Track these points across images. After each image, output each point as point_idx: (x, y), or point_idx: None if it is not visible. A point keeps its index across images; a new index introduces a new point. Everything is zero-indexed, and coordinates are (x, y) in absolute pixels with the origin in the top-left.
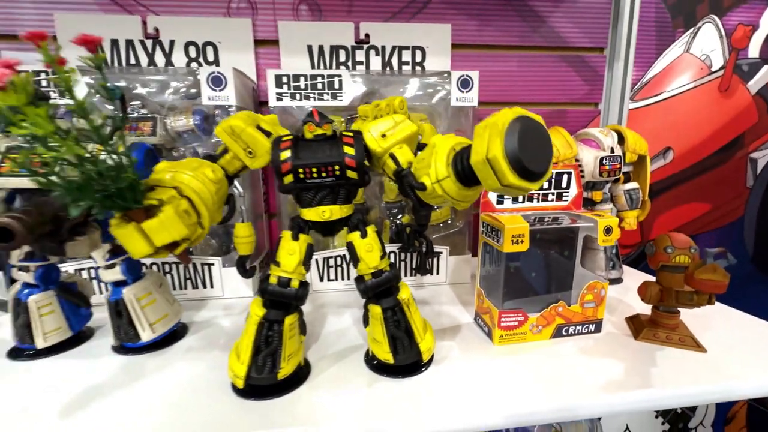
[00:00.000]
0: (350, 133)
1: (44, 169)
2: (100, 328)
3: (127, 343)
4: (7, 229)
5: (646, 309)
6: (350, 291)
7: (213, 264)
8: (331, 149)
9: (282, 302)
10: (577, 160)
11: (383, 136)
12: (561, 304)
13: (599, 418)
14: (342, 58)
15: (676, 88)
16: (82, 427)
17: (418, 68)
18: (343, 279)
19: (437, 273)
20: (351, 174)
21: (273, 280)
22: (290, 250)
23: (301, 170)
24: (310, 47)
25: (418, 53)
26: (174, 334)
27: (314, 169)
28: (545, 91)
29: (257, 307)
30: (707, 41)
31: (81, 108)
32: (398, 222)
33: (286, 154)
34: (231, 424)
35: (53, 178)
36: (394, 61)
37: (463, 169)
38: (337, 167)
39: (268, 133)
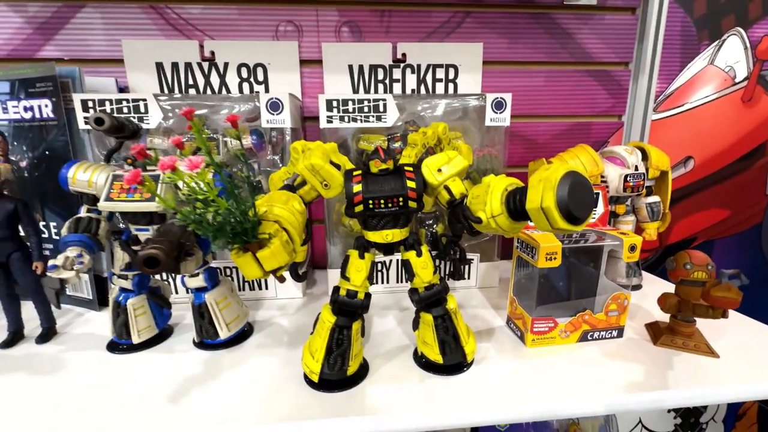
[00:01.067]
0: (411, 168)
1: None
2: (176, 326)
3: (207, 340)
4: (155, 258)
5: (663, 316)
6: (390, 293)
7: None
8: (395, 182)
9: (349, 310)
10: (602, 177)
11: (439, 170)
12: (587, 312)
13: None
14: (380, 77)
15: (698, 99)
16: (188, 412)
17: (451, 85)
18: (383, 282)
19: (468, 278)
20: (411, 204)
21: (342, 292)
22: (358, 267)
23: (371, 201)
24: (350, 66)
25: (451, 71)
26: (244, 333)
27: (382, 201)
28: (571, 104)
29: (328, 314)
30: (732, 53)
31: (229, 181)
32: (433, 231)
33: (358, 188)
34: (311, 412)
35: (203, 222)
36: (429, 78)
37: (515, 207)
38: (401, 198)
39: (337, 165)
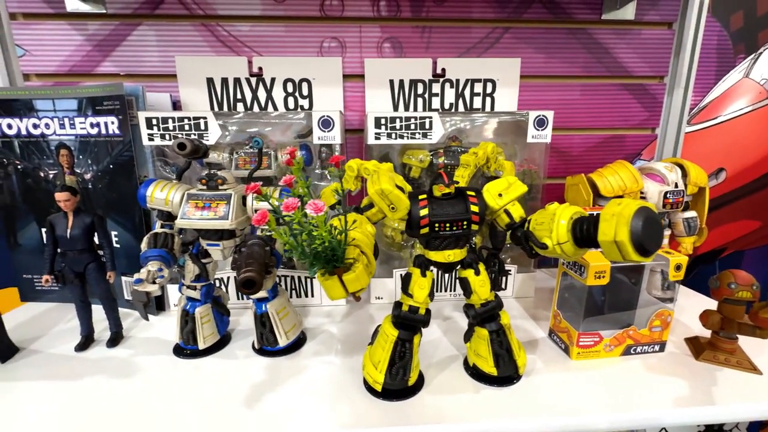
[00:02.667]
0: (473, 193)
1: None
2: (232, 331)
3: (267, 347)
4: (252, 280)
5: (701, 330)
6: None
7: (294, 276)
8: (458, 206)
9: (411, 325)
10: (642, 193)
11: (500, 195)
12: (632, 327)
13: None
14: (420, 91)
15: (733, 112)
16: (260, 416)
17: (488, 99)
18: None
19: (505, 288)
20: (474, 227)
21: (405, 307)
22: (421, 285)
23: (437, 224)
24: (391, 81)
25: (489, 85)
26: (299, 341)
27: (447, 224)
28: (605, 117)
29: (390, 328)
30: None
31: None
32: (472, 244)
33: (425, 211)
34: (376, 419)
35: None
36: (467, 92)
37: (581, 236)
38: (465, 222)
39: (401, 188)
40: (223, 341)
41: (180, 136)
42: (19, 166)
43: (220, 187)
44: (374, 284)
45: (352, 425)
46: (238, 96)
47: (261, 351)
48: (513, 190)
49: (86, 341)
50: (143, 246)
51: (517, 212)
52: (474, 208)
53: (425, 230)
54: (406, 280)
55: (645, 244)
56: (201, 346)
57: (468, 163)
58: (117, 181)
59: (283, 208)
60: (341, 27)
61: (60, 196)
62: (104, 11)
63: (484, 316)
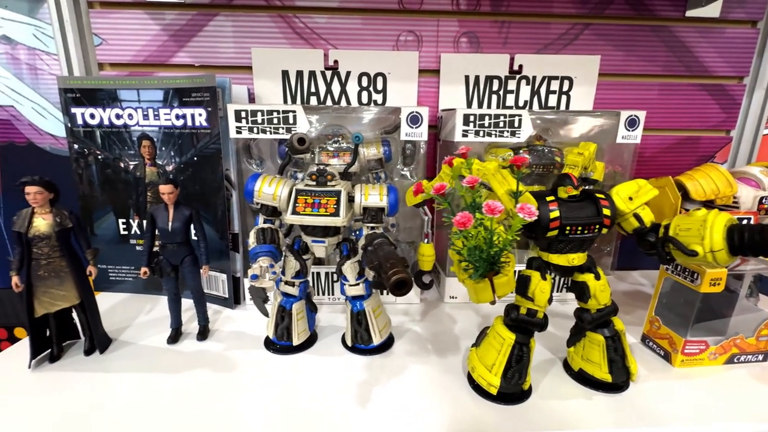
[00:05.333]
0: (603, 196)
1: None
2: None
3: (360, 345)
4: (405, 281)
5: None
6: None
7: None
8: (588, 209)
9: (526, 328)
10: (734, 198)
11: (630, 198)
12: (740, 336)
13: None
14: (495, 87)
15: None
16: (376, 415)
17: (563, 97)
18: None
19: None
20: (604, 230)
21: (523, 311)
22: (542, 288)
23: (568, 227)
24: (467, 77)
25: (566, 83)
26: (389, 340)
27: (580, 227)
28: (682, 118)
29: (505, 331)
30: None
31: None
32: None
33: (555, 213)
34: (497, 423)
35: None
36: (542, 90)
37: (741, 244)
38: (597, 225)
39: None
40: (312, 338)
41: (295, 131)
42: (99, 156)
43: (329, 183)
44: (449, 283)
45: (471, 428)
46: (312, 89)
47: (354, 349)
48: (643, 194)
49: (176, 334)
50: (252, 242)
51: (648, 216)
52: (606, 212)
53: (553, 232)
54: (523, 283)
55: None
56: (295, 342)
57: (576, 164)
58: (201, 173)
59: (486, 210)
60: (419, 20)
61: (164, 189)
62: (182, 1)
63: (600, 321)
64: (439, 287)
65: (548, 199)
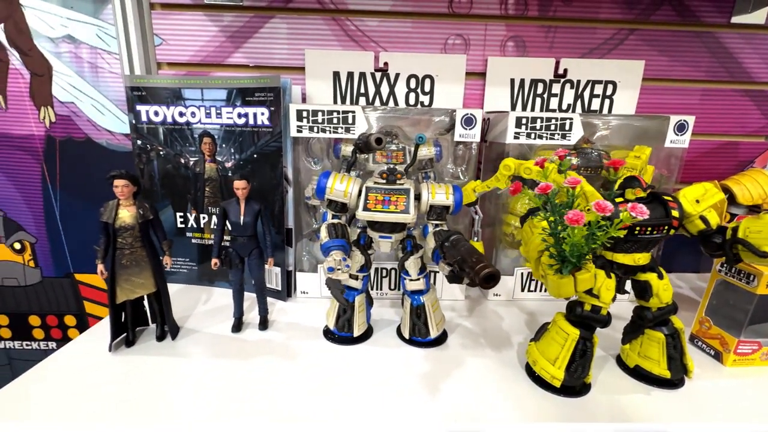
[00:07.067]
0: (671, 198)
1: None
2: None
3: (417, 338)
4: (494, 275)
5: None
6: (545, 301)
7: (437, 272)
8: (657, 210)
9: (589, 324)
10: None
11: (697, 201)
12: None
13: None
14: (539, 91)
15: None
16: (442, 402)
17: (606, 101)
18: (539, 291)
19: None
20: (671, 231)
21: (587, 307)
22: (608, 287)
23: (637, 228)
24: (512, 80)
25: (609, 87)
26: (444, 333)
27: (649, 228)
28: (722, 123)
29: (569, 327)
30: None
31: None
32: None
33: (626, 214)
34: (559, 415)
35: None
36: (586, 94)
37: None
38: (665, 226)
39: None
40: (368, 330)
41: (370, 131)
42: (161, 152)
43: (398, 182)
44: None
45: (537, 418)
46: (362, 90)
47: (411, 341)
48: (709, 197)
49: (239, 323)
50: (323, 236)
51: (714, 219)
52: (675, 213)
53: (623, 232)
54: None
55: None
56: (356, 333)
57: (634, 167)
58: (260, 170)
59: (595, 208)
60: (467, 24)
61: (238, 184)
62: (241, 3)
63: (660, 319)
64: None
65: (617, 200)
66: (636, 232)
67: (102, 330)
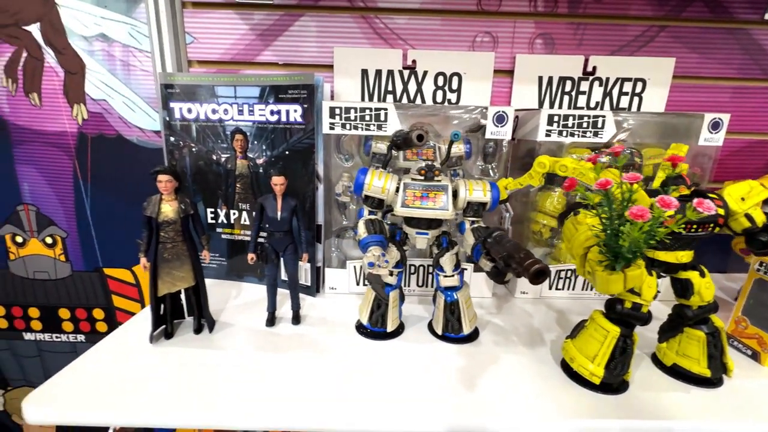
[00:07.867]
0: (716, 196)
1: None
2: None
3: (450, 334)
4: (543, 271)
5: None
6: (574, 299)
7: (465, 269)
8: None
9: (628, 321)
10: None
11: (742, 199)
12: None
13: None
14: (567, 89)
15: None
16: (478, 398)
17: (635, 99)
18: (567, 289)
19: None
20: (716, 229)
21: (628, 304)
22: (650, 284)
23: (684, 225)
24: (540, 77)
25: (639, 84)
26: (475, 331)
27: (695, 225)
28: (753, 121)
29: (609, 324)
30: None
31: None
32: None
33: (671, 212)
34: (599, 411)
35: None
36: (615, 91)
37: None
38: (711, 224)
39: None
40: (400, 326)
41: (415, 128)
42: (193, 149)
43: (436, 179)
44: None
45: (576, 414)
46: (389, 88)
47: (443, 337)
48: (755, 195)
49: (272, 318)
50: (362, 232)
51: (760, 217)
52: (720, 211)
53: (666, 230)
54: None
55: None
56: (389, 328)
57: (668, 165)
58: (291, 167)
59: (660, 204)
60: (496, 22)
61: (277, 180)
62: (271, 2)
63: (700, 318)
64: (508, 283)
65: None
66: (682, 229)
67: (135, 324)
